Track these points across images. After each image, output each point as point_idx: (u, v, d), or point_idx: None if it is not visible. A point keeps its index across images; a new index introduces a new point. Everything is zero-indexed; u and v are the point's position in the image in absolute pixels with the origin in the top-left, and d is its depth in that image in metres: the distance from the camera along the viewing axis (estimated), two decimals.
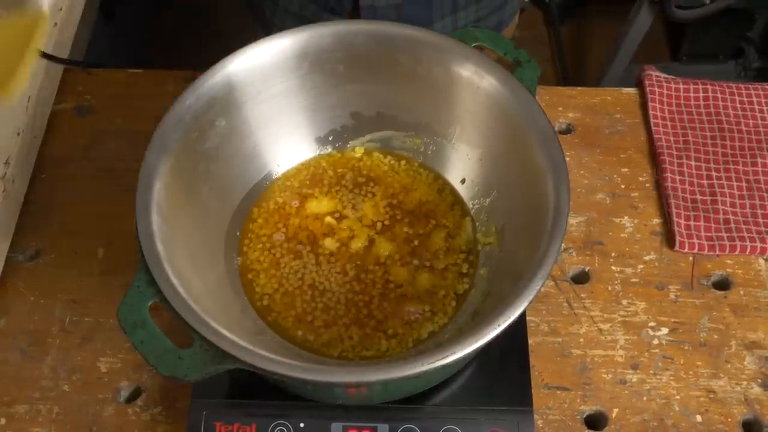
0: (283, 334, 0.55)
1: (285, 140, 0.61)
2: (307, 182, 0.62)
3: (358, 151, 0.63)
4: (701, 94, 0.77)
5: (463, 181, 0.61)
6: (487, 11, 0.78)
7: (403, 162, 0.63)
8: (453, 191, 0.61)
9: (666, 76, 0.78)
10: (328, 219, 0.59)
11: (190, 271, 0.49)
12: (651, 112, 0.76)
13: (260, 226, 0.59)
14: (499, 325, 0.44)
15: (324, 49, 0.56)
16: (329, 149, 0.63)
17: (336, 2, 0.74)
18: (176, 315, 0.44)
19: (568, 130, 0.76)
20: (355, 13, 0.76)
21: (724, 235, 0.68)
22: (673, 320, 0.65)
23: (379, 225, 0.59)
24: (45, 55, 0.75)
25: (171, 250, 0.47)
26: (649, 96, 0.77)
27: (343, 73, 0.58)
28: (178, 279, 0.46)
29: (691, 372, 0.62)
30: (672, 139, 0.74)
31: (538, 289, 0.45)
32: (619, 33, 1.47)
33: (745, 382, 0.62)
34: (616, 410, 0.60)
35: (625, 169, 0.73)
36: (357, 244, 0.58)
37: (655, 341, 0.64)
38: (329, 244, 0.58)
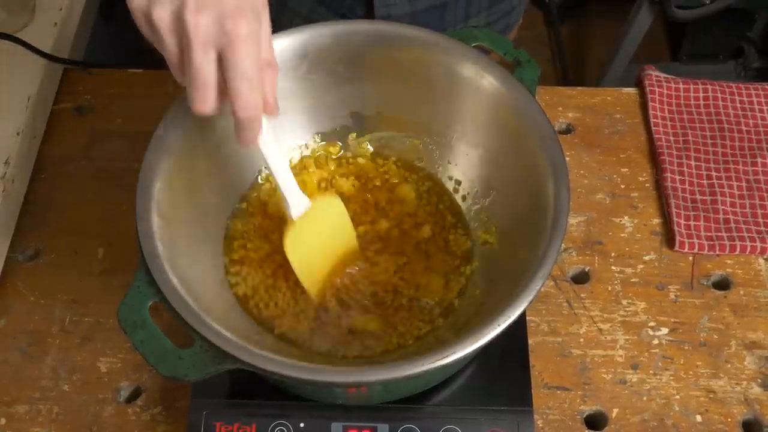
0: (283, 333, 0.55)
1: (284, 140, 0.61)
2: (306, 182, 0.62)
3: (358, 151, 0.63)
4: (701, 94, 0.77)
5: (460, 183, 0.60)
6: (497, 16, 0.79)
7: (401, 162, 0.63)
8: (449, 191, 0.61)
9: (666, 76, 0.78)
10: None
11: (190, 271, 0.49)
12: (651, 112, 0.76)
13: (259, 226, 0.59)
14: (499, 325, 0.44)
15: (324, 49, 0.56)
16: (328, 149, 0.63)
17: (348, 9, 0.74)
18: (176, 315, 0.44)
19: (568, 130, 0.76)
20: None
21: (724, 234, 0.68)
22: (673, 320, 0.65)
23: (378, 225, 0.59)
24: (45, 55, 0.75)
25: (171, 250, 0.47)
26: (649, 96, 0.77)
27: (343, 73, 0.58)
28: (178, 279, 0.46)
29: (691, 372, 0.62)
30: (672, 139, 0.74)
31: (538, 289, 0.45)
32: (619, 33, 1.47)
33: (745, 382, 0.62)
34: (616, 410, 0.60)
35: (625, 169, 0.73)
36: (356, 244, 0.58)
37: (655, 341, 0.64)
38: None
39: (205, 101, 0.42)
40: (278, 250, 0.58)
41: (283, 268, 0.57)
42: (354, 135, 0.62)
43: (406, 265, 0.58)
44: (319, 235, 0.55)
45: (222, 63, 0.41)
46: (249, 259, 0.57)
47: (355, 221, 0.59)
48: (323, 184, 0.61)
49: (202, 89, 0.41)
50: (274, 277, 0.57)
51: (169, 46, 0.41)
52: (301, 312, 0.55)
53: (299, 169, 0.62)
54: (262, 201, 0.60)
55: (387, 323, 0.55)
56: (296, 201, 0.52)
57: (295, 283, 0.56)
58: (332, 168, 0.62)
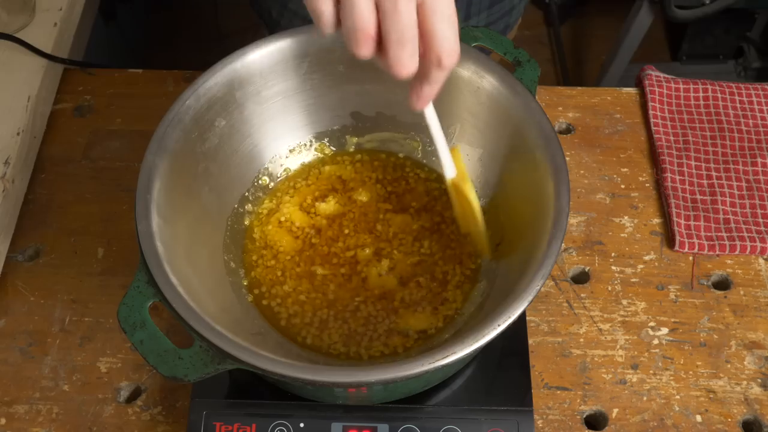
0: (283, 333, 0.55)
1: (284, 140, 0.61)
2: (306, 182, 0.62)
3: (358, 152, 0.63)
4: (701, 94, 0.77)
5: None
6: (497, 16, 0.79)
7: (402, 162, 0.63)
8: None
9: (666, 76, 0.78)
10: (327, 222, 0.59)
11: (190, 271, 0.49)
12: (651, 112, 0.76)
13: (259, 226, 0.59)
14: (499, 325, 0.44)
15: (324, 49, 0.56)
16: (329, 149, 0.63)
17: None
18: (176, 315, 0.44)
19: (568, 130, 0.76)
20: None
21: (724, 235, 0.68)
22: (673, 320, 0.65)
23: (379, 227, 0.59)
24: (45, 55, 0.75)
25: (171, 250, 0.47)
26: (649, 96, 0.77)
27: (343, 73, 0.58)
28: (178, 279, 0.46)
29: (691, 372, 0.62)
30: (672, 139, 0.74)
31: (538, 289, 0.45)
32: (619, 33, 1.47)
33: (745, 382, 0.62)
34: (616, 410, 0.60)
35: (625, 169, 0.73)
36: (357, 244, 0.58)
37: (655, 341, 0.64)
38: (331, 245, 0.58)
39: (366, 43, 0.38)
40: (287, 251, 0.58)
41: (292, 268, 0.57)
42: (354, 135, 0.62)
43: (409, 264, 0.58)
44: (466, 188, 0.54)
45: (420, 10, 0.37)
46: (257, 258, 0.57)
47: (364, 221, 0.59)
48: (324, 184, 0.61)
49: (361, 31, 0.37)
50: (283, 277, 0.57)
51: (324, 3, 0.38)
52: (309, 312, 0.56)
53: (301, 169, 0.62)
54: (265, 199, 0.60)
55: (395, 319, 0.55)
56: (450, 161, 0.51)
57: (306, 285, 0.56)
58: (332, 172, 0.62)
